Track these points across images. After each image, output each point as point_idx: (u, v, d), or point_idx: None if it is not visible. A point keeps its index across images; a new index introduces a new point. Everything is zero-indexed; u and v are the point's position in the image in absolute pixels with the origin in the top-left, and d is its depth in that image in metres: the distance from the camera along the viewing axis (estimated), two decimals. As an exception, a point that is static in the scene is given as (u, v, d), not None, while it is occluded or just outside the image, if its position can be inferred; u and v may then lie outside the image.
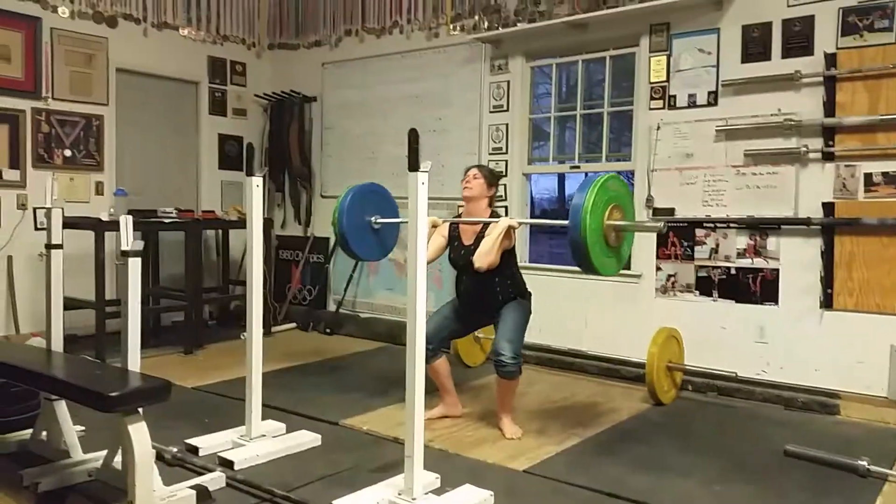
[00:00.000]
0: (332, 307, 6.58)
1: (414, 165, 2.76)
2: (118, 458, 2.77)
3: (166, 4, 6.33)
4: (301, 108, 6.83)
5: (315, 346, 5.76)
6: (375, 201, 3.85)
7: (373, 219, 3.79)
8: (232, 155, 6.88)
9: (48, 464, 2.98)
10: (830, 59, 4.17)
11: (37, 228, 5.40)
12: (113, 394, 2.49)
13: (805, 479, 3.11)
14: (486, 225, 3.66)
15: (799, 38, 4.30)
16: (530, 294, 3.83)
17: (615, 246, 3.28)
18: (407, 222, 2.81)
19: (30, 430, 3.25)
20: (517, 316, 3.67)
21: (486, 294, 3.71)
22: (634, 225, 3.56)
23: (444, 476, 2.96)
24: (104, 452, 2.90)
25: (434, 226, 3.79)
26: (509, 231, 3.56)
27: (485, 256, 3.51)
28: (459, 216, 3.89)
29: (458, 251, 3.78)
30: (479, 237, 3.67)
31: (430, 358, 3.74)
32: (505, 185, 5.51)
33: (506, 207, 5.45)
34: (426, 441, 3.13)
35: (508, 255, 3.68)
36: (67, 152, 5.72)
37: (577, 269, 5.32)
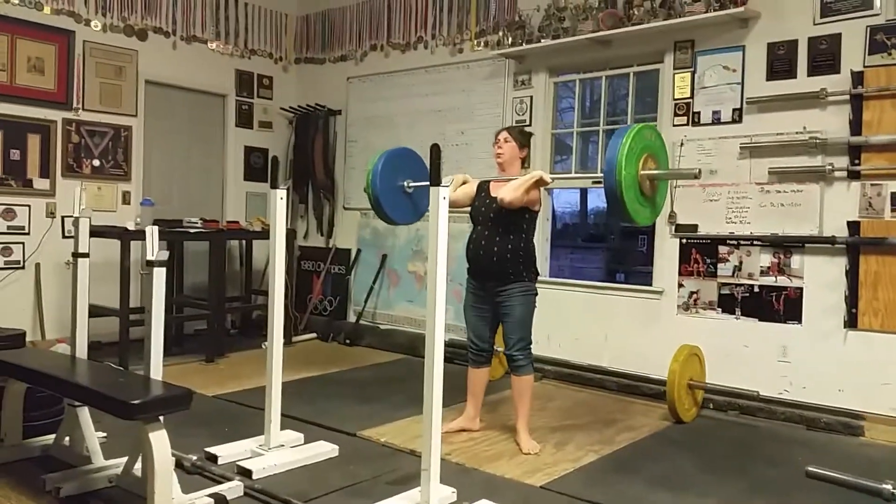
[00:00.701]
0: (352, 318, 6.61)
1: (435, 180, 2.79)
2: (138, 465, 2.81)
3: (195, 19, 6.45)
4: (326, 122, 6.90)
5: (335, 357, 5.79)
6: (407, 165, 3.81)
7: (405, 182, 3.77)
8: (257, 167, 6.97)
9: (70, 469, 3.03)
10: (857, 78, 4.13)
11: (65, 236, 5.50)
12: (135, 401, 2.53)
13: (827, 502, 3.05)
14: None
15: (825, 56, 4.27)
16: (537, 274, 3.81)
17: (650, 195, 3.24)
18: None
19: (53, 436, 3.30)
20: (523, 308, 3.68)
21: (497, 249, 3.66)
22: (669, 172, 3.52)
23: (461, 490, 2.95)
24: (125, 459, 2.94)
25: (464, 182, 3.88)
26: (540, 182, 3.54)
27: (512, 191, 3.50)
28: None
29: (482, 200, 3.79)
30: None
31: (480, 363, 3.84)
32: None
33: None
34: (443, 454, 3.13)
35: (529, 219, 3.70)
36: (96, 162, 5.82)
37: (598, 284, 5.40)
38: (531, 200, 3.62)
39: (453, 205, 3.49)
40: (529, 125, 5.50)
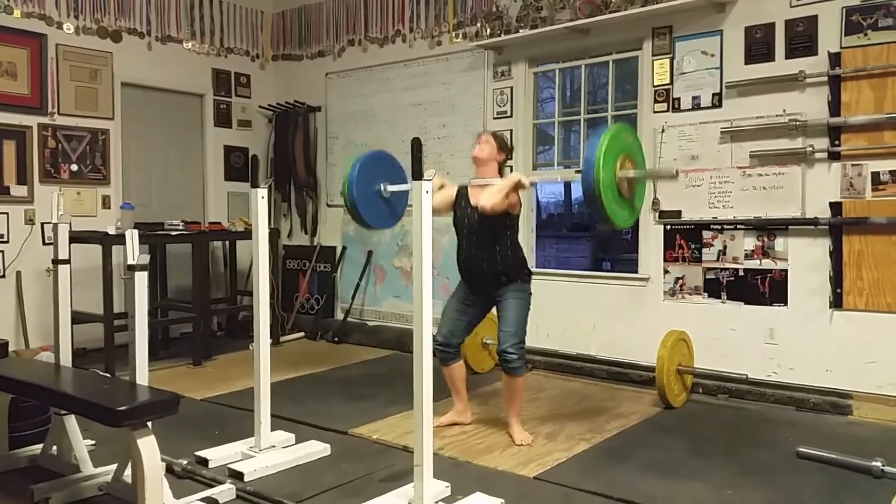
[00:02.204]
0: (339, 316, 6.59)
1: (418, 174, 2.77)
2: (128, 472, 2.78)
3: (170, 18, 6.37)
4: (305, 118, 6.85)
5: (323, 355, 5.76)
6: (383, 168, 3.80)
7: (382, 187, 3.75)
8: (237, 166, 6.91)
9: (59, 478, 2.99)
10: (834, 59, 4.15)
11: (45, 243, 5.43)
12: (121, 408, 2.49)
13: (818, 482, 3.08)
14: None
15: (802, 38, 4.29)
16: (531, 274, 3.79)
17: (628, 197, 3.25)
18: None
19: (40, 445, 3.26)
20: (518, 308, 3.66)
21: (487, 260, 3.66)
22: (647, 173, 3.53)
23: (455, 484, 2.95)
24: (114, 466, 2.91)
25: (441, 186, 3.81)
26: (518, 186, 3.52)
27: (492, 195, 3.47)
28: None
29: (464, 210, 3.77)
30: None
31: (449, 360, 3.78)
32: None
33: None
34: (436, 449, 3.12)
35: (511, 224, 3.68)
36: (74, 167, 5.75)
37: (584, 273, 5.41)
38: (511, 204, 3.59)
39: (433, 212, 3.45)
40: (510, 116, 5.49)
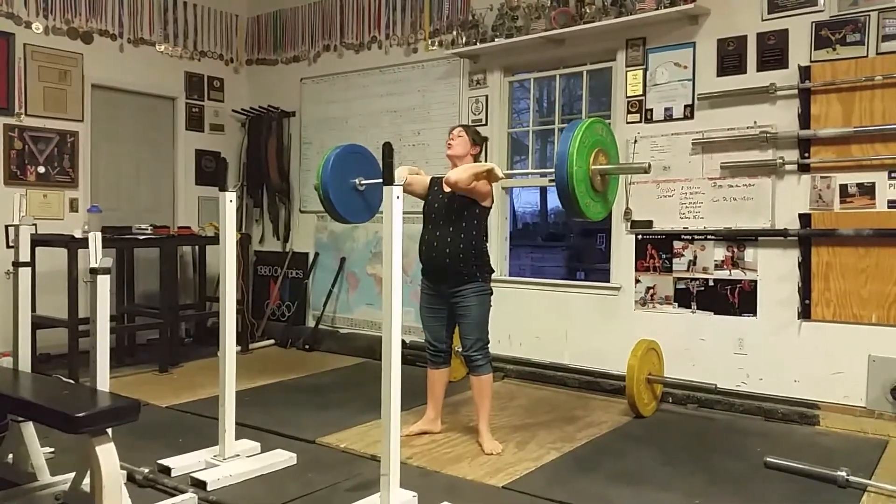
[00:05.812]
0: (311, 323, 6.52)
1: (388, 179, 2.75)
2: (87, 481, 2.70)
3: (143, 20, 6.29)
4: (279, 123, 6.80)
5: (293, 363, 5.70)
6: (358, 162, 3.74)
7: (357, 180, 3.70)
8: (209, 170, 6.82)
9: (13, 487, 2.90)
10: (804, 72, 4.20)
11: (8, 246, 5.30)
12: (79, 414, 2.42)
13: (785, 491, 3.09)
14: None
15: (773, 51, 4.34)
16: (491, 272, 3.77)
17: (601, 190, 3.24)
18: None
19: (-4, 453, 3.17)
20: (477, 310, 3.65)
21: (450, 246, 3.61)
22: (619, 167, 3.53)
23: (422, 494, 2.91)
24: (72, 475, 2.83)
25: (417, 173, 3.84)
26: (491, 174, 3.51)
27: (459, 171, 3.48)
28: None
29: (435, 195, 3.76)
30: None
31: (438, 364, 3.80)
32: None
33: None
34: (404, 458, 3.09)
35: (479, 215, 3.67)
36: (41, 169, 5.64)
37: (557, 282, 5.41)
38: (480, 192, 3.58)
39: (407, 189, 3.45)
40: (485, 124, 5.48)
